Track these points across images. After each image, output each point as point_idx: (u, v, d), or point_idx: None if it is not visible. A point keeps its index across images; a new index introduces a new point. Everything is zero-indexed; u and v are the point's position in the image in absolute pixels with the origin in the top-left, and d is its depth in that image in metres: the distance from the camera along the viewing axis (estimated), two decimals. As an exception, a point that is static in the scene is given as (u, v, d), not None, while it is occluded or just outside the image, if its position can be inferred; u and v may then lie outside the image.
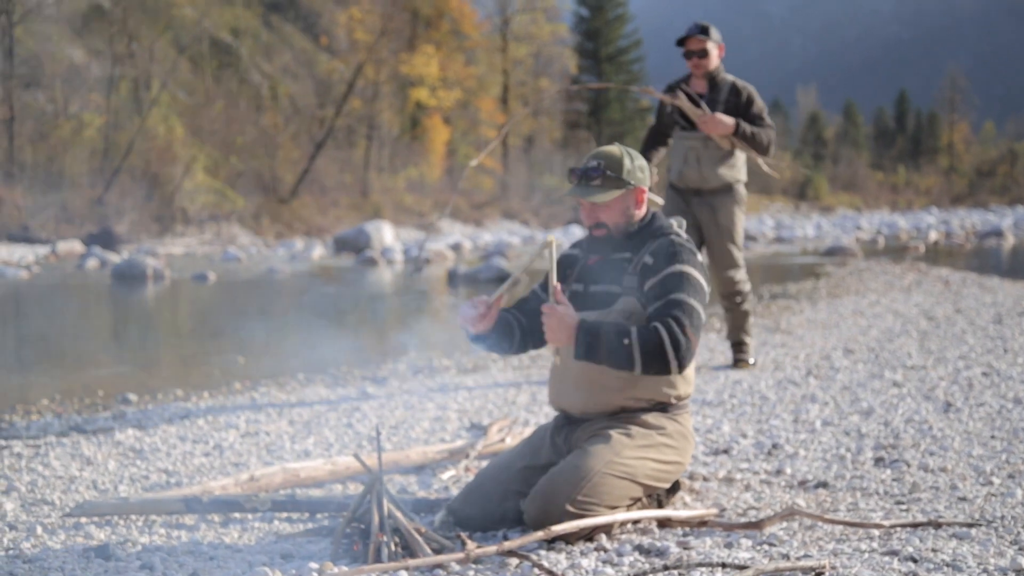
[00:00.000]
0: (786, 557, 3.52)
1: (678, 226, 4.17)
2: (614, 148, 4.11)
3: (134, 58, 44.62)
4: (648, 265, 3.98)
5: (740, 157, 7.81)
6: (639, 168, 4.09)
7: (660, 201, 6.79)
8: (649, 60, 77.83)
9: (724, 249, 7.88)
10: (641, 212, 4.14)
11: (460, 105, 59.28)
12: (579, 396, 4.07)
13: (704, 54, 7.72)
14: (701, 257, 4.10)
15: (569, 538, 3.72)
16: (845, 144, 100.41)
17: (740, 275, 7.91)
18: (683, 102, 7.51)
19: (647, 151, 7.93)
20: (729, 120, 7.46)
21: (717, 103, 7.65)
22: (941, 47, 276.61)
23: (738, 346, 8.19)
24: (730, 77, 7.83)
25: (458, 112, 59.98)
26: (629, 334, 3.82)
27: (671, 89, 7.83)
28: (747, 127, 7.54)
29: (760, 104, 7.75)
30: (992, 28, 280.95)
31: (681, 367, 3.85)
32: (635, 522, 3.92)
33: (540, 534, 3.62)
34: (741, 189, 7.89)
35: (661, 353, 3.81)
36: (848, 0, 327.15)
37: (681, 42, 7.79)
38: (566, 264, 4.27)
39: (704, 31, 7.72)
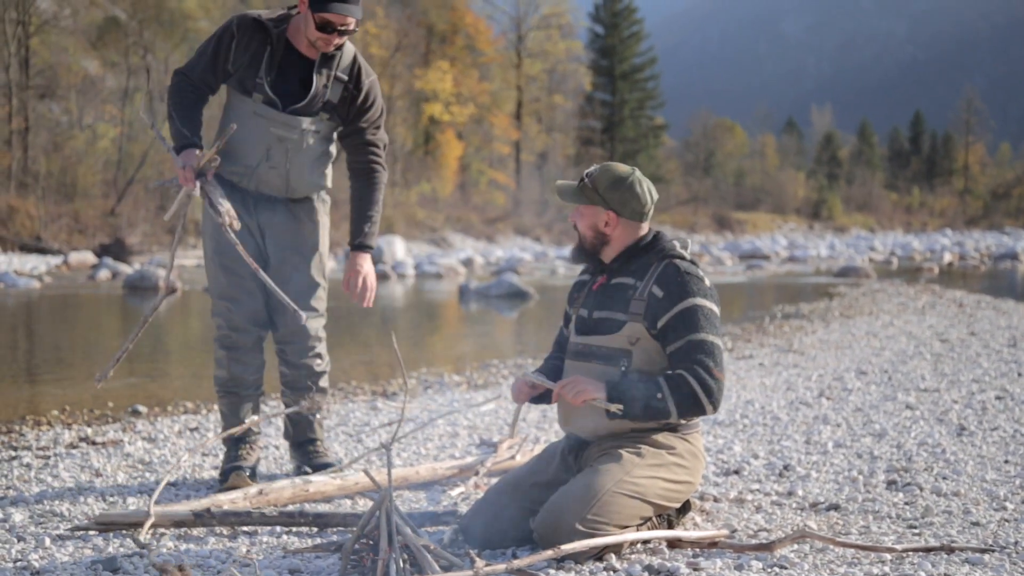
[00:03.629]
0: (797, 580, 3.50)
1: (681, 247, 4.13)
2: (618, 166, 4.11)
3: (149, 70, 44.77)
4: (657, 298, 3.96)
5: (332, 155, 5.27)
6: (627, 194, 4.05)
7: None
8: (664, 78, 77.98)
9: (305, 284, 5.14)
10: (615, 235, 4.11)
11: (474, 120, 59.40)
12: (588, 420, 4.04)
13: (346, 33, 4.93)
14: (708, 284, 4.05)
15: (578, 557, 3.70)
16: (860, 164, 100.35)
17: (320, 333, 5.22)
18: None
19: (191, 114, 4.96)
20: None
21: (326, 84, 5.02)
22: (956, 68, 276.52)
23: (310, 447, 5.36)
24: (349, 46, 5.10)
25: (471, 127, 60.09)
26: (660, 388, 3.86)
27: (265, 28, 4.94)
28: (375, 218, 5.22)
29: (381, 104, 5.22)
30: (1008, 50, 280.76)
31: (715, 408, 3.92)
32: (645, 542, 3.90)
33: (549, 553, 3.59)
34: (327, 199, 5.37)
35: (695, 401, 3.87)
36: (864, 21, 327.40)
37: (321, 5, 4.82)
38: (575, 289, 4.29)
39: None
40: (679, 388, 3.86)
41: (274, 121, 4.97)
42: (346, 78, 5.05)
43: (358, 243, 5.17)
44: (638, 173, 4.11)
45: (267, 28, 4.93)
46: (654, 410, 3.88)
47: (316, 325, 5.18)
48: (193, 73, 4.99)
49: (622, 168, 4.11)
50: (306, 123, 5.01)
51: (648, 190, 4.10)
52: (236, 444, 5.12)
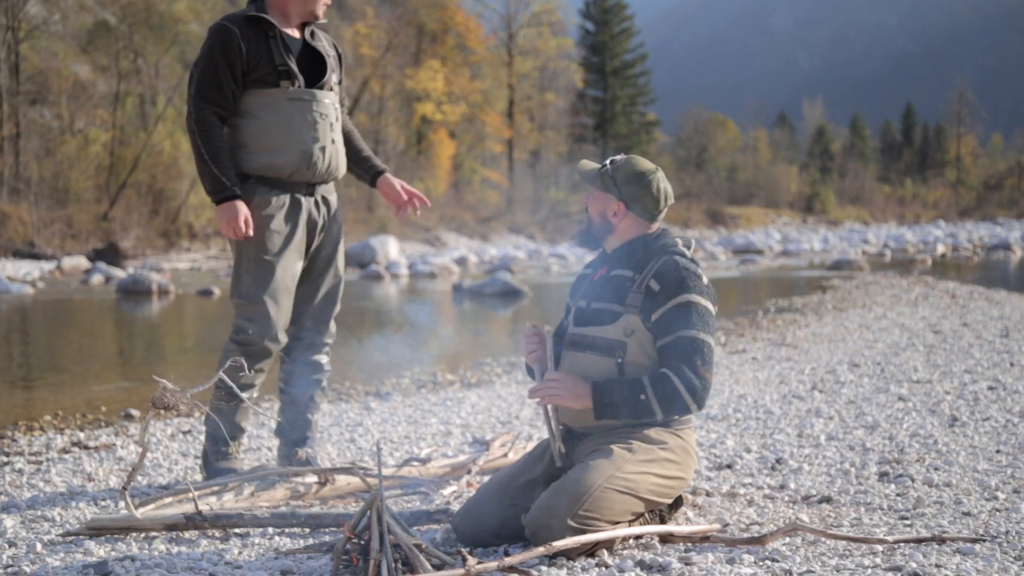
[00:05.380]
0: (788, 573, 3.50)
1: (684, 245, 4.13)
2: (642, 162, 4.15)
3: (140, 74, 44.76)
4: (654, 291, 3.97)
5: None
6: (642, 191, 4.08)
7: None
8: (656, 74, 78.02)
9: (340, 276, 5.22)
10: (621, 227, 4.14)
11: (466, 119, 59.36)
12: (580, 412, 4.06)
13: None
14: (706, 282, 4.04)
15: (570, 553, 3.70)
16: (852, 157, 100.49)
17: (331, 341, 5.26)
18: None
19: (226, 157, 4.79)
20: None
21: (327, 58, 5.02)
22: (948, 61, 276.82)
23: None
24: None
25: (464, 126, 60.07)
26: (644, 388, 3.88)
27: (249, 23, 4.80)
28: None
29: None
30: (999, 42, 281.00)
31: (700, 406, 3.93)
32: (637, 537, 3.90)
33: (541, 549, 3.59)
34: None
35: (679, 400, 3.88)
36: (854, 14, 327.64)
37: None
38: (578, 282, 4.31)
39: None
40: (663, 387, 3.87)
41: (311, 102, 4.91)
42: (331, 49, 5.09)
43: (380, 170, 5.32)
44: (660, 173, 4.13)
45: (260, 19, 4.81)
46: (639, 410, 3.90)
47: (329, 340, 5.23)
48: (219, 96, 4.76)
49: (645, 164, 4.13)
50: (333, 98, 5.03)
51: (664, 192, 4.11)
52: (226, 442, 5.01)
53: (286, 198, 4.93)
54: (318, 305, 5.12)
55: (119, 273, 25.97)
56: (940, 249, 39.22)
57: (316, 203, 5.04)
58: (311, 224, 5.03)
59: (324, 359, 5.20)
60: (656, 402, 3.87)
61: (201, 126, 4.72)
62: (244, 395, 4.97)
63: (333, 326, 5.22)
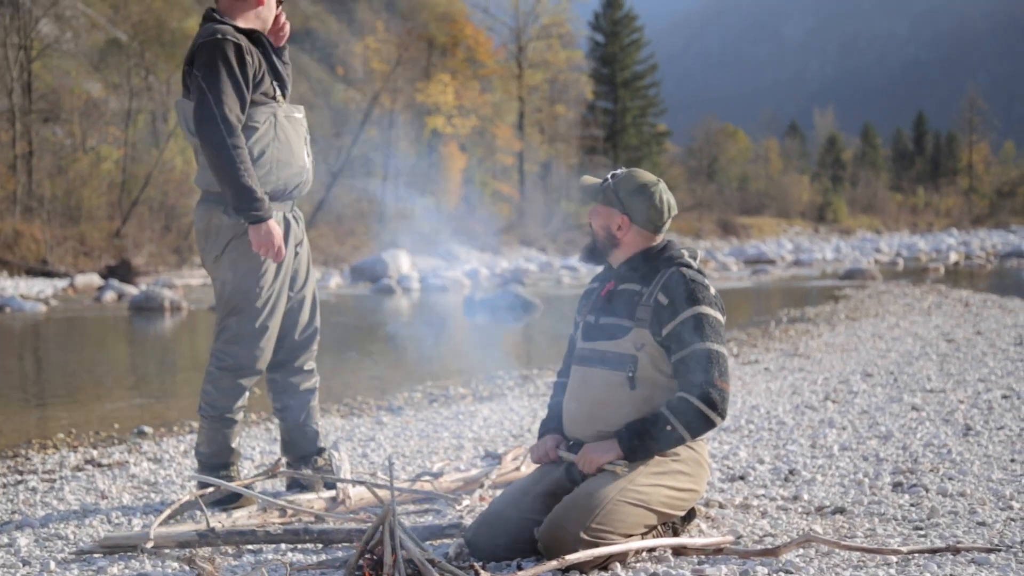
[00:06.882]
0: (802, 585, 3.48)
1: (690, 256, 4.13)
2: (643, 174, 4.16)
3: (151, 91, 44.87)
4: (662, 305, 3.97)
5: None
6: (645, 203, 4.09)
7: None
8: (666, 85, 78.05)
9: (314, 293, 5.23)
10: (626, 240, 4.15)
11: (476, 132, 59.37)
12: (591, 426, 4.06)
13: None
14: (713, 293, 4.04)
15: (583, 567, 3.69)
16: (864, 166, 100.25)
17: (315, 348, 5.25)
18: None
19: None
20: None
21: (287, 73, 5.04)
22: (959, 68, 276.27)
23: (318, 458, 5.30)
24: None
25: (474, 139, 60.08)
26: (667, 419, 3.90)
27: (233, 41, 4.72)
28: None
29: None
30: (1010, 48, 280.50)
31: (723, 418, 3.96)
32: (650, 550, 3.89)
33: (554, 563, 3.59)
34: None
35: (703, 419, 3.90)
36: (865, 22, 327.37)
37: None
38: (584, 296, 4.31)
39: None
40: (684, 412, 3.89)
41: (301, 117, 4.97)
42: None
43: None
44: (662, 184, 4.13)
45: (252, 32, 4.81)
46: (668, 441, 3.92)
47: (314, 355, 5.24)
48: (241, 108, 4.67)
49: (647, 176, 4.13)
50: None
51: (667, 203, 4.11)
52: (226, 466, 4.98)
53: (280, 216, 4.89)
54: (305, 315, 5.12)
55: (132, 290, 26.00)
56: (953, 257, 39.14)
57: (295, 217, 5.02)
58: (295, 240, 5.01)
59: (312, 365, 5.20)
60: (683, 428, 3.89)
61: (235, 139, 4.59)
62: (236, 416, 4.95)
63: (313, 355, 5.22)
